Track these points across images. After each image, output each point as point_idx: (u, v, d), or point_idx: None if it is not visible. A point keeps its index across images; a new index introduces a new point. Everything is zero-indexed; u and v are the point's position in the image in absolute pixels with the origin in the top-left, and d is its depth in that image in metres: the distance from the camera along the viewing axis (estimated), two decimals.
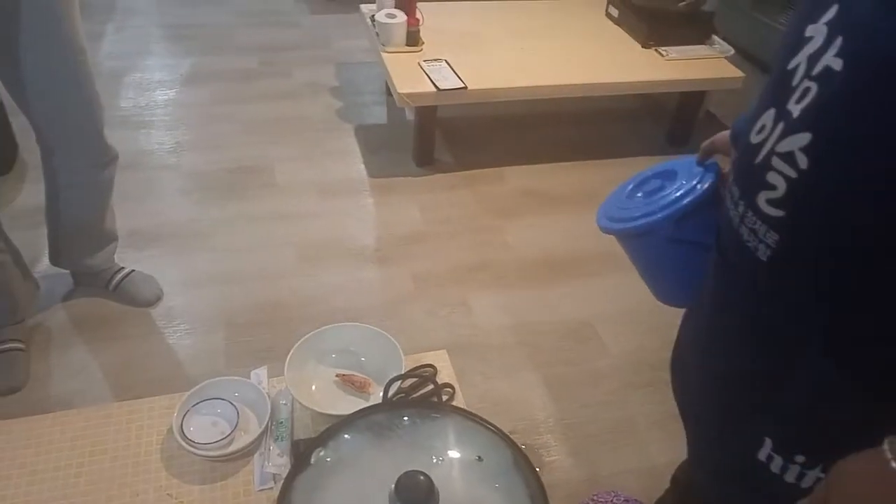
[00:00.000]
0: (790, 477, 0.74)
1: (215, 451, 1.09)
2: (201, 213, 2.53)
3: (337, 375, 1.22)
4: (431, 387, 1.17)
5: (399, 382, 1.14)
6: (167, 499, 1.05)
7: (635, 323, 2.20)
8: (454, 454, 0.87)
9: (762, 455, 0.76)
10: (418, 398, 1.16)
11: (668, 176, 1.01)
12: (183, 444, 1.08)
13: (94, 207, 1.93)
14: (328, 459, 0.86)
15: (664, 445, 1.84)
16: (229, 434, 1.10)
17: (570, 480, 1.72)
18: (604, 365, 2.06)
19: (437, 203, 2.68)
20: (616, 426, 1.89)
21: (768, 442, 0.75)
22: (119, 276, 2.09)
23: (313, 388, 1.21)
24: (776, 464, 0.75)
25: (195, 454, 1.08)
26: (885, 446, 0.55)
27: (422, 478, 0.79)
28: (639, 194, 1.04)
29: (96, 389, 1.85)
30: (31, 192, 2.47)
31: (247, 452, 1.12)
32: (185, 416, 1.13)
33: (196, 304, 2.14)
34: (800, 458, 0.73)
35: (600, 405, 1.94)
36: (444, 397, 1.20)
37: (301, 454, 0.86)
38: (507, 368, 2.02)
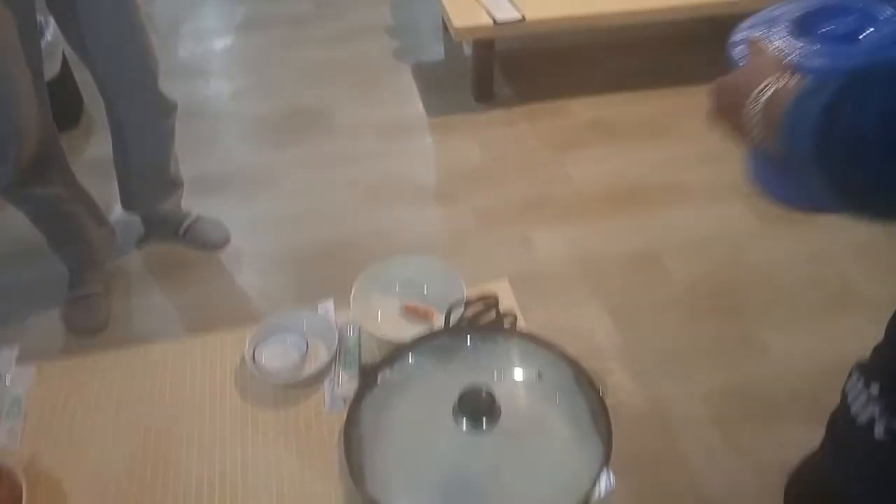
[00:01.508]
0: None
1: (286, 377, 1.15)
2: (263, 157, 2.59)
3: (401, 305, 1.26)
4: (493, 315, 1.19)
5: (461, 310, 1.17)
6: (244, 422, 1.12)
7: (701, 252, 2.17)
8: (515, 372, 0.90)
9: None
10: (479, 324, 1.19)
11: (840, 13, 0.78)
12: (255, 372, 1.14)
13: (158, 155, 2.01)
14: (394, 379, 0.90)
15: (727, 371, 1.84)
16: (299, 362, 1.16)
17: (633, 404, 1.74)
18: (668, 294, 2.06)
19: (498, 139, 2.67)
20: (680, 353, 1.89)
21: None
22: (187, 221, 2.18)
23: (379, 317, 1.25)
24: None
25: (268, 381, 1.15)
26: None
27: (484, 392, 0.82)
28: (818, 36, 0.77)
29: (173, 328, 1.96)
30: (100, 144, 2.58)
31: (317, 379, 1.17)
32: (256, 346, 1.19)
33: (263, 246, 2.22)
34: None
35: (665, 332, 1.95)
36: (506, 325, 1.23)
37: (368, 374, 0.90)
38: (570, 299, 2.03)
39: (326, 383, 1.17)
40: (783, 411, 1.76)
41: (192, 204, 2.25)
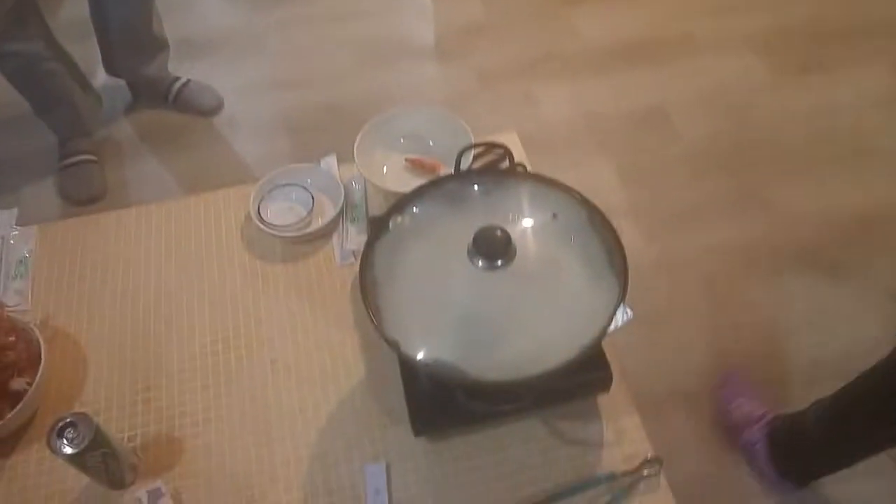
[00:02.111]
0: None
1: (294, 231, 1.15)
2: (252, 17, 2.49)
3: (406, 159, 1.24)
4: (504, 165, 1.18)
5: (471, 155, 1.15)
6: (254, 277, 1.13)
7: (710, 107, 2.13)
8: (529, 213, 0.89)
9: None
10: (493, 169, 1.17)
11: None
12: (261, 226, 1.14)
13: (138, 9, 1.92)
14: (406, 224, 0.89)
15: (734, 227, 1.86)
16: (306, 216, 1.16)
17: (641, 260, 1.76)
18: (676, 151, 2.03)
19: None
20: (689, 208, 1.90)
21: None
22: (177, 85, 2.12)
23: (384, 171, 1.23)
24: None
25: (275, 236, 1.15)
26: None
27: (499, 232, 0.82)
28: None
29: (172, 195, 1.94)
30: (75, 3, 2.46)
31: (325, 233, 1.17)
32: (261, 202, 1.18)
33: (258, 110, 2.17)
34: None
35: (673, 189, 1.94)
36: None
37: (379, 221, 0.89)
38: (577, 158, 2.01)
39: (335, 238, 1.18)
40: (791, 263, 1.78)
41: (179, 68, 2.18)
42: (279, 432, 0.96)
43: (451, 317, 0.82)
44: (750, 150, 2.03)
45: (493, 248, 0.81)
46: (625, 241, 0.86)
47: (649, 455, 0.90)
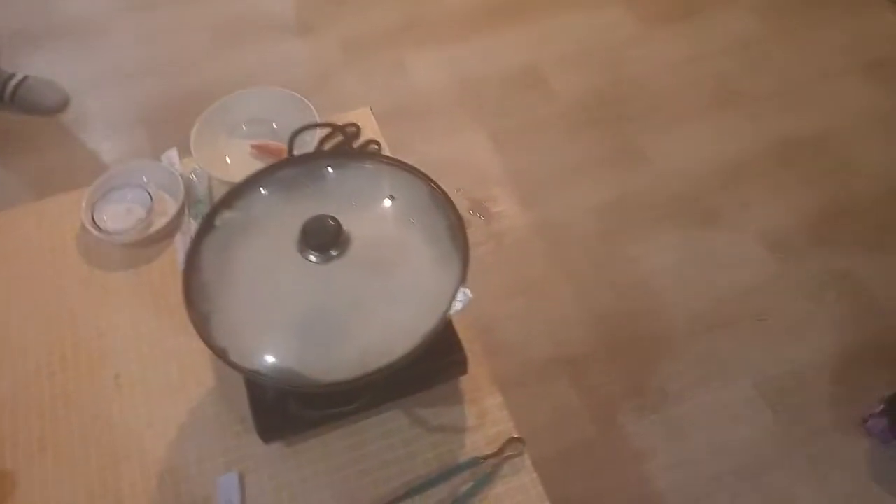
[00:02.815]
0: None
1: (133, 235, 1.09)
2: (92, 4, 2.34)
3: (251, 146, 1.19)
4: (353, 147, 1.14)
5: (313, 139, 1.11)
6: (93, 288, 1.07)
7: (585, 63, 2.15)
8: (366, 198, 0.87)
9: None
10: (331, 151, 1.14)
11: None
12: (96, 233, 1.07)
13: None
14: (235, 219, 0.85)
15: (611, 183, 1.89)
16: (145, 218, 1.10)
17: (520, 228, 1.77)
18: (552, 110, 2.05)
19: None
20: (566, 169, 1.92)
21: None
22: (12, 83, 1.98)
23: (228, 161, 1.18)
24: None
25: (113, 241, 1.08)
26: None
27: (329, 220, 0.79)
28: None
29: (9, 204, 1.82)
30: None
31: (168, 234, 1.11)
32: (94, 207, 1.11)
33: (110, 104, 2.05)
34: None
35: (549, 150, 1.96)
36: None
37: (205, 218, 0.85)
38: (450, 129, 2.00)
39: (178, 238, 1.12)
40: (667, 215, 1.83)
41: (16, 63, 2.03)
42: (125, 451, 0.91)
43: (290, 316, 0.79)
44: (623, 103, 2.07)
45: (323, 239, 0.79)
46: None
47: (512, 435, 0.90)
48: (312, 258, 0.79)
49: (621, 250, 1.77)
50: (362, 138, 1.22)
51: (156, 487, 0.88)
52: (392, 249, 0.84)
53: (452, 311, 0.77)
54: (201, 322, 0.77)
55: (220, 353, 0.75)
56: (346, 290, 0.80)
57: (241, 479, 0.88)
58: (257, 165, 1.17)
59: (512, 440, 0.89)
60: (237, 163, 1.18)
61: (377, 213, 0.86)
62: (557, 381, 1.57)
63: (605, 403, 1.55)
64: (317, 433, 0.90)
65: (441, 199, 0.87)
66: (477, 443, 0.90)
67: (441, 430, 0.92)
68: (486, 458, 0.88)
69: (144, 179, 1.15)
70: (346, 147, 1.11)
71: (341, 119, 1.25)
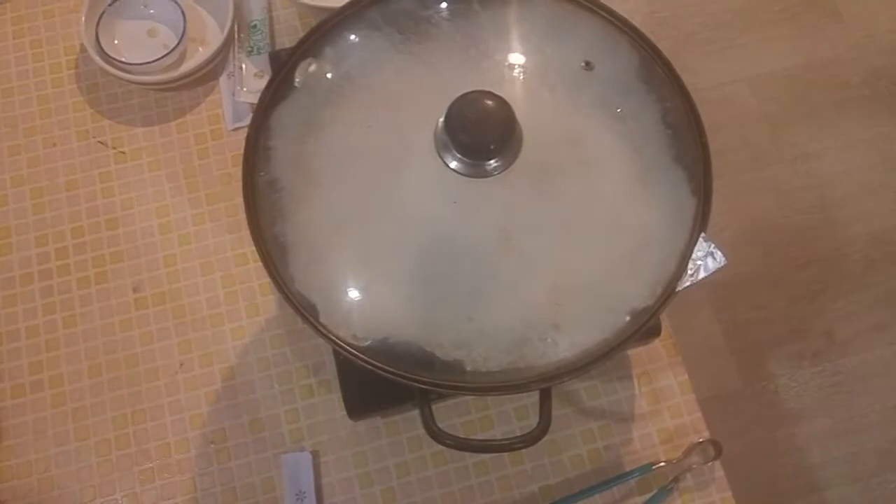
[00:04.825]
0: None
1: (158, 73, 0.78)
2: None
3: None
4: None
5: None
6: (99, 149, 0.78)
7: None
8: (542, 62, 0.55)
9: None
10: None
11: None
12: (105, 65, 0.77)
13: None
14: (326, 78, 0.55)
15: (791, 46, 1.58)
16: (176, 46, 0.79)
17: None
18: None
19: None
20: (724, 19, 1.57)
21: None
22: None
23: None
24: None
25: (129, 80, 0.78)
26: None
27: (490, 102, 0.48)
28: None
29: None
30: None
31: (207, 74, 0.81)
32: (100, 20, 0.80)
33: None
34: None
35: None
36: None
37: (279, 71, 0.54)
38: None
39: (223, 81, 0.82)
40: (859, 100, 1.55)
41: None
42: (151, 400, 0.67)
43: (407, 259, 0.50)
44: None
45: (480, 130, 0.48)
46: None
47: (703, 437, 0.65)
48: (458, 166, 0.49)
49: (791, 142, 1.48)
50: None
51: (194, 458, 0.65)
52: (581, 158, 0.53)
53: (690, 279, 0.48)
54: (273, 252, 0.49)
55: (307, 311, 0.47)
56: (504, 222, 0.50)
57: (315, 458, 0.64)
58: None
59: (701, 443, 0.64)
60: None
61: (561, 92, 0.54)
62: (698, 311, 1.34)
63: (756, 347, 1.34)
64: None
65: (662, 77, 0.55)
66: (649, 439, 0.66)
67: (597, 416, 0.66)
68: (663, 464, 0.64)
69: None
70: None
71: None
